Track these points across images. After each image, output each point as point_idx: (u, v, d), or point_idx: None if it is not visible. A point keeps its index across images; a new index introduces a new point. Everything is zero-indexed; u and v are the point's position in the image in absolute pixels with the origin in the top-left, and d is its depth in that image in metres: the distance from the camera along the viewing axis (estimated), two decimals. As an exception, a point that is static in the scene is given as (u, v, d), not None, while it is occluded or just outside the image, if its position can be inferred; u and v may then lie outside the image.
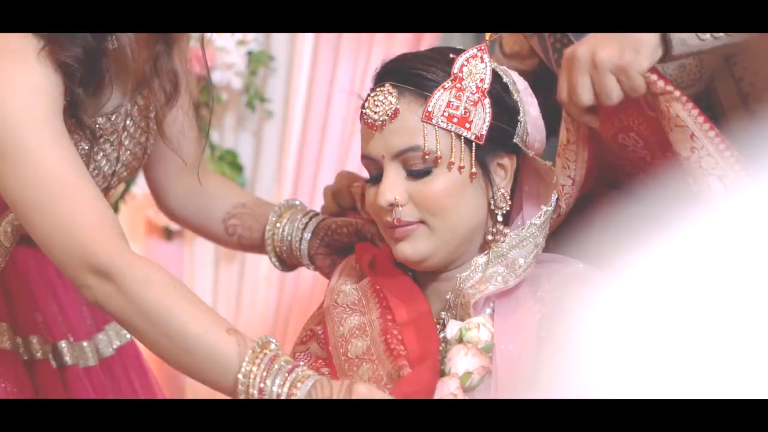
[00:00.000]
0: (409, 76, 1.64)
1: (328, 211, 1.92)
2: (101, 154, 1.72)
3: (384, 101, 1.63)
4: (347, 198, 1.89)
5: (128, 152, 1.77)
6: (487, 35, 1.66)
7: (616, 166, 1.72)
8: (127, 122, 1.74)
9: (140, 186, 2.67)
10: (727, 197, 1.51)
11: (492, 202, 1.66)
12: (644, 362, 1.33)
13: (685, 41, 1.50)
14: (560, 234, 1.72)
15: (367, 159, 1.67)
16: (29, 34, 1.58)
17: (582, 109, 1.57)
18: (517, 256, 1.64)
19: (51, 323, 1.93)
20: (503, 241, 1.65)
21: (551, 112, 1.71)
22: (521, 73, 1.73)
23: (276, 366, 1.48)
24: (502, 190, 1.66)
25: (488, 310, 1.65)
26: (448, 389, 1.57)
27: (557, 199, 1.66)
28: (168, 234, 2.80)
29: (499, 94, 1.66)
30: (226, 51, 2.66)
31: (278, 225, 1.90)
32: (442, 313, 1.67)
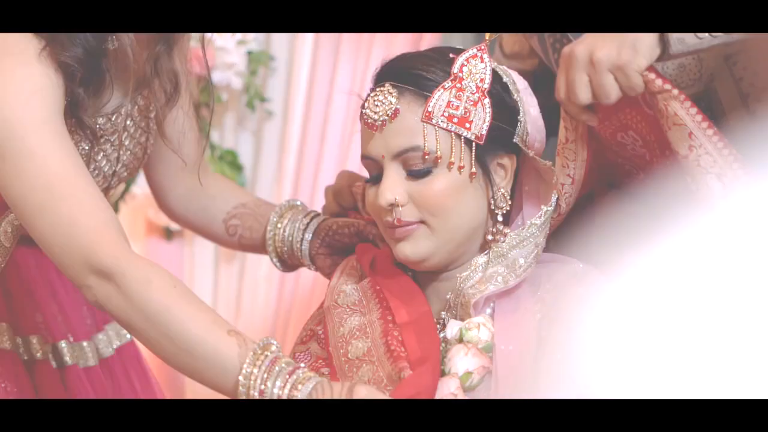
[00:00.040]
0: (409, 76, 1.64)
1: (330, 210, 1.91)
2: (101, 154, 1.72)
3: (384, 101, 1.63)
4: (348, 198, 1.89)
5: (128, 152, 1.77)
6: (487, 35, 1.66)
7: (615, 165, 1.72)
8: (128, 122, 1.74)
9: (140, 186, 2.67)
10: (726, 195, 1.51)
11: (492, 202, 1.66)
12: (644, 362, 1.33)
13: (683, 40, 1.50)
14: (560, 234, 1.72)
15: (367, 159, 1.67)
16: (30, 35, 1.58)
17: (580, 108, 1.57)
18: (518, 256, 1.64)
19: (51, 323, 1.93)
20: (503, 241, 1.65)
21: (551, 112, 1.70)
22: (521, 73, 1.73)
23: (277, 368, 1.48)
24: (503, 190, 1.66)
25: (488, 310, 1.65)
26: (448, 389, 1.57)
27: (557, 198, 1.66)
28: (168, 234, 2.80)
29: (499, 94, 1.66)
30: (226, 51, 2.65)
31: (279, 225, 1.90)
32: (442, 313, 1.67)
